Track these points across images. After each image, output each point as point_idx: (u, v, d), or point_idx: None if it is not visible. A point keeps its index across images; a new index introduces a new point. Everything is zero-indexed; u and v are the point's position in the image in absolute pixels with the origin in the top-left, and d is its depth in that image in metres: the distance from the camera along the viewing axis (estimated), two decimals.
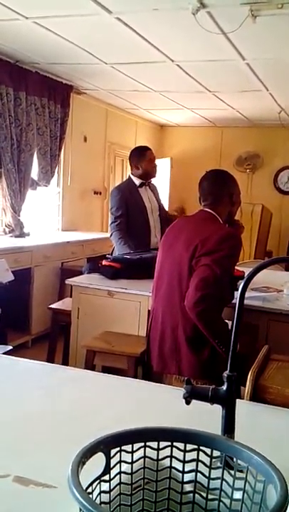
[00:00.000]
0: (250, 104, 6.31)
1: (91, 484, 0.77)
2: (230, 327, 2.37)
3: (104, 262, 3.49)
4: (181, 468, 0.88)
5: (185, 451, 0.86)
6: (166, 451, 0.87)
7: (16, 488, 0.98)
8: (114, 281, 3.31)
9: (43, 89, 5.20)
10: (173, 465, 0.88)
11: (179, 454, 0.87)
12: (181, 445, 0.87)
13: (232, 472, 0.83)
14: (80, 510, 0.67)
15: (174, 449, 0.87)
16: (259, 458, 0.78)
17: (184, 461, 0.87)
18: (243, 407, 1.21)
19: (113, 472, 0.82)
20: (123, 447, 0.84)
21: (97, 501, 0.78)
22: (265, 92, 5.55)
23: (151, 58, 4.48)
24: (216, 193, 2.59)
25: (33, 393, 1.46)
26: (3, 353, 2.30)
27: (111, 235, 4.08)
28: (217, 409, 1.06)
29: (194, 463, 0.87)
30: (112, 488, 0.82)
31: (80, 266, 4.33)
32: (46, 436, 1.21)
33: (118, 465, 0.83)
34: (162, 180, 7.49)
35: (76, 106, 5.93)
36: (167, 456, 0.87)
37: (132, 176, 4.18)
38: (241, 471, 0.82)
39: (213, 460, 0.86)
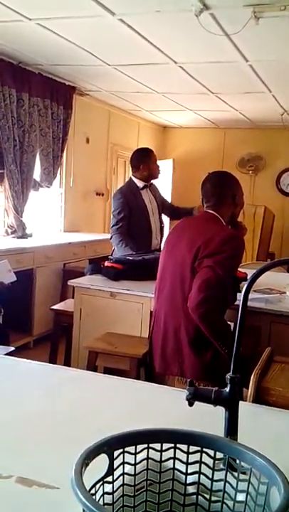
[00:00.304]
0: (252, 105, 6.31)
1: (94, 485, 0.77)
2: (232, 329, 2.37)
3: (106, 263, 3.49)
4: (184, 470, 0.88)
5: (188, 452, 0.86)
6: (170, 453, 0.87)
7: (18, 489, 0.98)
8: (117, 282, 3.31)
9: (45, 91, 5.21)
10: (176, 467, 0.88)
11: (182, 456, 0.87)
12: (184, 447, 0.87)
13: (235, 474, 0.83)
14: (84, 511, 0.67)
15: (177, 450, 0.87)
16: (262, 460, 0.78)
17: (187, 463, 0.87)
18: (245, 408, 1.21)
19: (116, 473, 0.82)
20: (126, 449, 0.84)
21: (101, 502, 0.78)
22: (267, 93, 5.55)
23: (154, 60, 4.48)
24: (218, 194, 2.59)
25: (35, 394, 1.46)
26: (5, 354, 2.30)
27: (111, 238, 4.08)
28: (219, 411, 1.06)
29: (197, 465, 0.87)
30: (115, 489, 0.82)
31: (82, 267, 4.33)
32: (47, 436, 1.21)
33: (121, 466, 0.83)
34: (164, 181, 7.49)
35: (79, 107, 5.94)
36: (170, 458, 0.87)
37: (133, 178, 4.16)
38: (244, 473, 0.81)
39: (217, 462, 0.86)
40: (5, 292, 3.64)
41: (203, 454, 0.86)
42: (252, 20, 3.22)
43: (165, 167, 7.43)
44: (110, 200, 5.66)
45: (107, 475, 0.80)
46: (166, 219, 4.69)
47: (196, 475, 0.87)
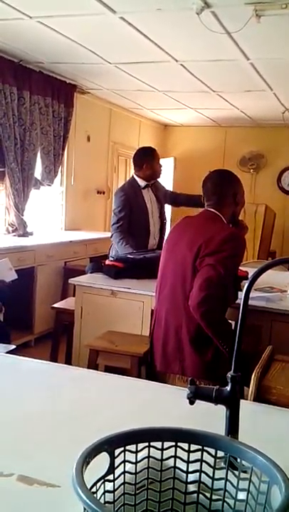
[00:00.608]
0: (254, 104, 6.30)
1: (95, 484, 0.77)
2: (233, 327, 2.37)
3: (107, 262, 3.49)
4: (185, 469, 0.88)
5: (189, 451, 0.86)
6: (171, 451, 0.87)
7: (20, 487, 0.98)
8: (118, 280, 3.31)
9: (46, 89, 5.21)
10: (177, 465, 0.88)
11: (183, 454, 0.87)
12: (185, 445, 0.86)
13: (236, 473, 0.83)
14: (85, 509, 0.67)
15: (178, 449, 0.87)
16: (263, 458, 0.78)
17: (188, 462, 0.87)
18: (246, 407, 1.21)
19: (117, 472, 0.82)
20: (127, 447, 0.84)
21: (102, 501, 0.78)
22: (269, 91, 5.54)
23: (155, 58, 4.47)
24: (219, 193, 2.58)
25: (36, 392, 1.46)
26: (7, 352, 2.30)
27: (112, 236, 4.08)
28: (220, 410, 1.06)
29: (198, 463, 0.87)
30: (116, 487, 0.82)
31: (83, 265, 4.33)
32: (48, 435, 1.21)
33: (122, 465, 0.83)
34: (165, 180, 7.47)
35: (80, 105, 5.93)
36: (171, 457, 0.87)
37: (136, 177, 4.15)
38: (245, 472, 0.81)
39: (218, 460, 0.86)
40: (6, 290, 3.64)
41: (204, 453, 0.86)
42: (253, 18, 3.21)
43: (166, 165, 7.42)
44: (111, 199, 5.66)
45: (108, 473, 0.80)
46: (168, 216, 4.69)
47: (197, 473, 0.87)
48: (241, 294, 1.08)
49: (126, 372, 2.65)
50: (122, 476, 0.84)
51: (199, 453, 0.86)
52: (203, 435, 0.86)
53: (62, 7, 3.44)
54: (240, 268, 2.67)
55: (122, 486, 0.84)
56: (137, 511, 0.87)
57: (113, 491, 0.82)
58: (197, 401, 1.05)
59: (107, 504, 0.80)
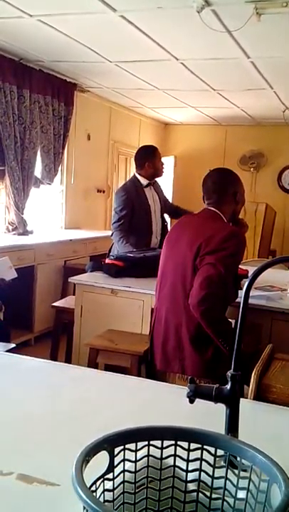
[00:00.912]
0: (254, 102, 6.29)
1: (95, 482, 0.77)
2: (233, 326, 2.36)
3: (107, 260, 3.49)
4: (184, 467, 0.88)
5: (189, 450, 0.86)
6: (170, 450, 0.87)
7: (19, 486, 0.98)
8: (118, 279, 3.31)
9: (46, 87, 5.20)
10: (177, 464, 0.88)
11: (183, 453, 0.87)
12: (185, 444, 0.86)
13: (236, 471, 0.83)
14: (84, 508, 0.67)
15: (177, 447, 0.87)
16: (263, 457, 0.78)
17: (187, 460, 0.87)
18: (246, 406, 1.21)
19: (117, 470, 0.82)
20: (127, 446, 0.83)
21: (101, 499, 0.78)
22: (269, 90, 5.53)
23: (155, 56, 4.47)
24: (219, 191, 2.58)
25: (36, 391, 1.46)
26: (6, 351, 2.30)
27: (112, 234, 4.08)
28: (220, 408, 1.05)
29: (198, 462, 0.87)
30: (115, 486, 0.82)
31: (83, 264, 4.33)
32: (48, 434, 1.21)
33: (122, 463, 0.83)
34: (166, 178, 7.47)
35: (80, 104, 5.93)
36: (171, 455, 0.87)
37: (138, 176, 4.14)
38: (245, 471, 0.81)
39: (217, 459, 0.86)
40: (6, 289, 3.64)
41: (204, 452, 0.86)
42: (254, 16, 3.21)
43: (166, 164, 7.41)
44: (111, 198, 5.65)
45: (107, 472, 0.80)
46: (167, 218, 4.69)
47: (197, 472, 0.87)
48: (241, 293, 1.08)
49: (126, 371, 2.65)
50: (122, 474, 0.84)
51: (199, 451, 0.86)
52: (202, 434, 0.86)
53: (63, 5, 3.43)
54: (240, 267, 2.66)
55: (122, 485, 0.84)
56: (137, 510, 0.87)
57: (113, 490, 0.82)
58: (197, 400, 1.05)
59: (106, 503, 0.80)
